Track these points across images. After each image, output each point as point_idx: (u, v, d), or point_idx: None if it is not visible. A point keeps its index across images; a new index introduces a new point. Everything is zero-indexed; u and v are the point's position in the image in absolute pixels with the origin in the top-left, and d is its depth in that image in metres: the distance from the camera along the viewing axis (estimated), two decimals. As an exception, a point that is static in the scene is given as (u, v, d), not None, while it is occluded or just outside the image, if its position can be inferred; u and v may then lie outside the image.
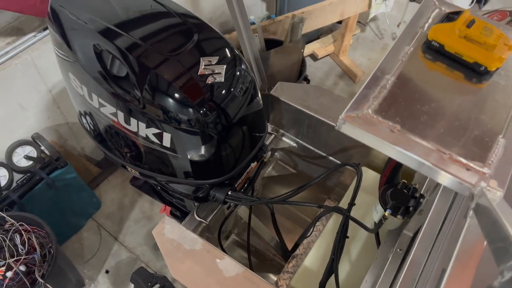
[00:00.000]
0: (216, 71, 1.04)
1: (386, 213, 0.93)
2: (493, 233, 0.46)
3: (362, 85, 0.71)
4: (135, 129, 1.08)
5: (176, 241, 1.09)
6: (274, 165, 1.70)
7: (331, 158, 1.48)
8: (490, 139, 0.66)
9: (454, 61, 0.80)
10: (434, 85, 0.76)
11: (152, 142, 1.08)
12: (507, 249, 0.40)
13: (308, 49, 3.11)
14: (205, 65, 1.04)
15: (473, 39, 0.79)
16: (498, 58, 0.78)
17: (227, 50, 1.11)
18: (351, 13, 2.71)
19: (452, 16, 0.83)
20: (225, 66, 1.06)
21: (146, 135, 1.07)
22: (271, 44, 2.41)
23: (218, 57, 1.07)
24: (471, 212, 0.56)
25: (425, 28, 0.85)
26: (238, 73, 1.10)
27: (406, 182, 0.98)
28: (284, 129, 1.53)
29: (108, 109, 1.08)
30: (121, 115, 1.07)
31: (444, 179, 0.62)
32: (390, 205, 0.93)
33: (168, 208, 1.79)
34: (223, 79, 1.04)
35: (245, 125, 1.17)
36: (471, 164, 0.62)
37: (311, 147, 1.50)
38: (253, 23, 2.47)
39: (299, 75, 2.47)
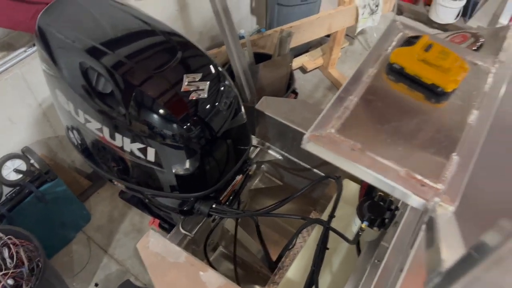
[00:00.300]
0: (200, 87, 1.07)
1: (363, 225, 0.96)
2: (431, 246, 0.48)
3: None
4: (120, 144, 1.10)
5: (160, 254, 1.10)
6: (261, 177, 1.72)
7: (315, 170, 1.51)
8: (445, 157, 0.69)
9: (414, 82, 0.84)
10: (395, 105, 0.80)
11: (137, 157, 1.11)
12: (435, 263, 0.43)
13: (298, 62, 3.17)
14: (188, 82, 1.07)
15: (431, 62, 0.83)
16: (453, 80, 0.82)
17: (210, 67, 1.14)
18: (338, 27, 2.77)
19: (412, 40, 0.87)
20: (208, 83, 1.09)
21: (131, 150, 1.09)
22: (260, 57, 2.46)
23: (201, 73, 1.10)
24: (423, 226, 0.59)
25: (389, 50, 0.89)
26: (221, 88, 1.13)
27: (383, 194, 1.01)
28: (270, 142, 1.56)
29: (94, 125, 1.11)
30: (106, 131, 1.09)
31: (400, 194, 0.65)
32: (367, 217, 0.96)
33: (157, 221, 1.81)
34: (206, 95, 1.07)
35: (229, 138, 1.20)
36: (426, 180, 0.65)
37: (296, 160, 1.53)
38: (242, 37, 2.52)
39: (288, 88, 2.51)
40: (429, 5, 3.56)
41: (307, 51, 3.26)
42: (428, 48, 0.83)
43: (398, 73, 0.84)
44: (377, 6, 2.78)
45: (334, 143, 0.69)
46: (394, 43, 0.90)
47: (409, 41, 0.87)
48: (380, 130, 0.72)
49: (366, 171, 0.65)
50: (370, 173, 0.65)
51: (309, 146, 0.70)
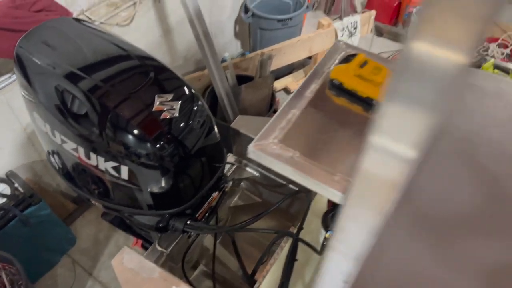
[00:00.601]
0: (171, 107, 1.13)
1: (327, 235, 0.99)
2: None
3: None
4: (95, 163, 1.14)
5: (134, 270, 1.13)
6: (240, 195, 1.76)
7: (290, 186, 1.55)
8: None
9: (352, 96, 0.91)
10: (335, 117, 0.85)
11: (111, 175, 1.14)
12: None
13: (282, 83, 3.25)
14: (160, 102, 1.12)
15: (365, 78, 0.90)
16: None
17: (183, 88, 1.20)
18: (318, 49, 2.87)
19: (349, 58, 0.94)
20: (180, 102, 1.14)
21: (106, 168, 1.13)
22: (243, 79, 2.54)
23: (173, 94, 1.15)
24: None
25: (331, 68, 0.95)
26: (195, 108, 1.19)
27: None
28: (247, 159, 1.60)
29: (70, 145, 1.15)
30: (81, 150, 1.14)
31: (334, 196, 0.69)
32: (330, 227, 0.99)
33: (140, 241, 1.82)
34: (177, 114, 1.12)
35: (203, 156, 1.24)
36: None
37: (272, 176, 1.57)
38: (225, 60, 2.60)
39: (269, 108, 2.58)
40: (407, 26, 3.69)
41: (290, 73, 3.35)
42: (363, 64, 0.90)
43: (338, 88, 0.90)
44: (355, 28, 2.89)
45: (275, 151, 0.74)
46: (336, 61, 0.97)
47: (347, 59, 0.94)
48: (318, 140, 0.77)
49: (303, 176, 0.70)
50: (306, 178, 0.70)
51: (253, 154, 0.75)
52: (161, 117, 1.10)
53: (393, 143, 0.31)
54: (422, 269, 0.68)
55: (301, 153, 0.73)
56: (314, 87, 0.89)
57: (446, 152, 0.86)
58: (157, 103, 1.11)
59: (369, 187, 0.33)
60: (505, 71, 1.43)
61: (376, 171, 0.32)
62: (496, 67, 1.45)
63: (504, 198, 0.77)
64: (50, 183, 2.26)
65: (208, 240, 1.63)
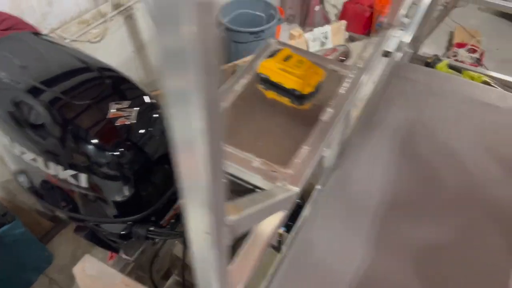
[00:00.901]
0: (128, 114, 1.15)
1: (280, 231, 1.01)
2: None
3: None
4: (54, 173, 1.15)
5: (95, 276, 1.13)
6: (211, 203, 1.77)
7: (257, 190, 1.56)
8: (297, 148, 0.77)
9: (279, 88, 0.95)
10: (262, 109, 0.89)
11: (72, 184, 1.16)
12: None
13: (259, 95, 3.30)
14: (117, 109, 1.15)
15: (289, 70, 0.94)
16: (308, 84, 0.93)
17: (141, 97, 1.22)
18: (291, 59, 2.92)
19: (275, 52, 0.98)
20: (137, 109, 1.17)
21: (64, 177, 1.15)
22: (217, 91, 2.57)
23: (130, 101, 1.18)
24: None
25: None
26: (154, 116, 1.21)
27: (299, 201, 1.07)
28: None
29: (29, 156, 1.16)
30: (40, 160, 1.15)
31: (255, 179, 0.72)
32: (284, 224, 1.01)
33: (115, 255, 1.81)
34: (134, 121, 1.14)
35: (166, 164, 1.26)
36: (277, 167, 0.73)
37: (239, 181, 1.59)
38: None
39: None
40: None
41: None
42: (287, 58, 0.94)
43: (266, 81, 0.94)
44: (326, 38, 2.96)
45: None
46: (268, 57, 1.01)
47: (273, 53, 0.98)
48: (245, 130, 0.80)
49: (227, 163, 0.72)
50: (229, 165, 0.72)
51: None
52: (117, 123, 1.12)
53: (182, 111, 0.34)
54: (354, 253, 0.70)
55: (226, 143, 0.76)
56: (242, 81, 0.93)
57: (386, 144, 0.90)
58: (113, 110, 1.14)
59: (185, 135, 0.35)
60: (458, 70, 1.50)
61: (182, 130, 0.35)
62: (450, 67, 1.52)
63: (438, 185, 0.81)
64: (26, 202, 2.25)
65: (178, 248, 1.64)
